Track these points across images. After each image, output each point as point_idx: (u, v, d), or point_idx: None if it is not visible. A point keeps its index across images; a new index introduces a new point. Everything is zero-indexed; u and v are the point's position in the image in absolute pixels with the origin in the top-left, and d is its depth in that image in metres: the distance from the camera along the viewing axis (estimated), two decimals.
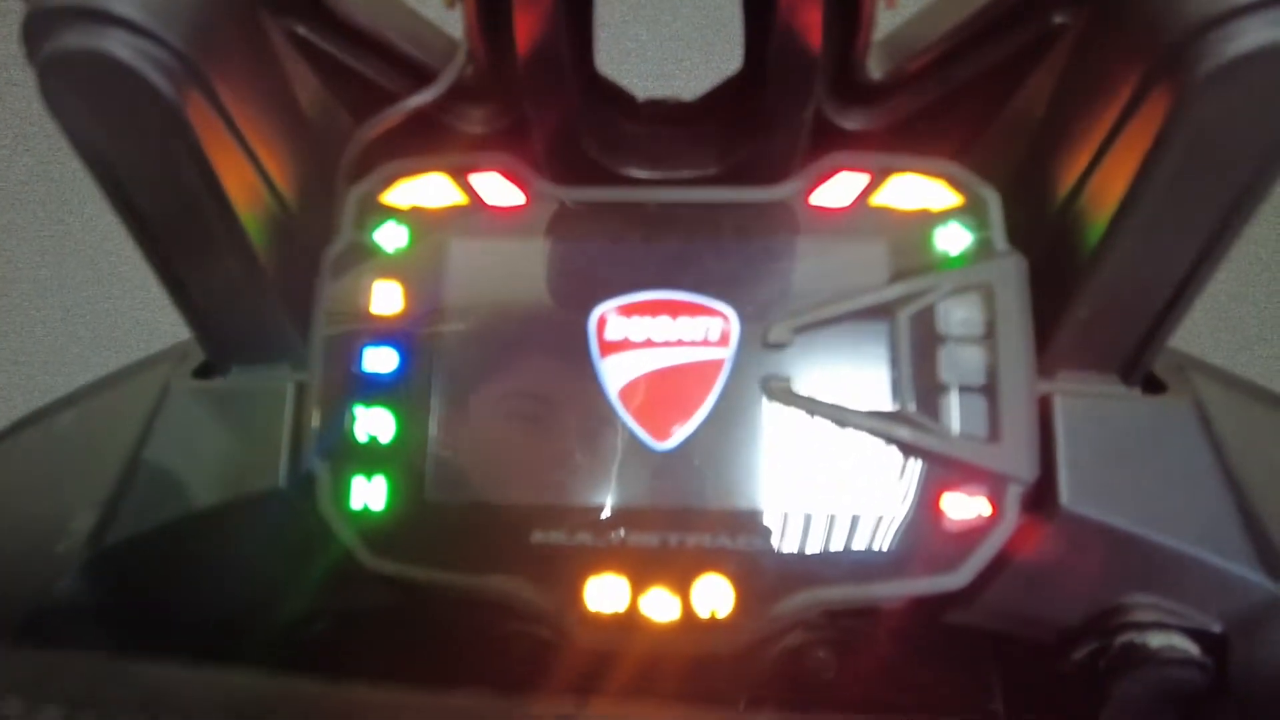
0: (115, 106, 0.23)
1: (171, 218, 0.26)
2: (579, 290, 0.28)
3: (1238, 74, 0.21)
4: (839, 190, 0.29)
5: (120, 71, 0.22)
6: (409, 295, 0.28)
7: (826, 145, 0.29)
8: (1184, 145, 0.23)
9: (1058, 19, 0.27)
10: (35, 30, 0.23)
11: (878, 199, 0.28)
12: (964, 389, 0.27)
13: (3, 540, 0.31)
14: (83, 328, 1.41)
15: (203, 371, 0.30)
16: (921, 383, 0.27)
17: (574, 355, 0.28)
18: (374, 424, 0.28)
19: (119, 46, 0.22)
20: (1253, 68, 0.21)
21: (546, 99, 0.27)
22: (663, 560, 0.27)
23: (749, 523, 0.27)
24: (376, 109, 0.29)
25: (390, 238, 0.29)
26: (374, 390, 0.28)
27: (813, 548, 0.27)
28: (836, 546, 0.27)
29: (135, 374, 0.32)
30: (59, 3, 0.22)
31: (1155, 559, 0.28)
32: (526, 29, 0.26)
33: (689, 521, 0.27)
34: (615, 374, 0.28)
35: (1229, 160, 0.23)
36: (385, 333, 0.28)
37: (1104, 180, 0.25)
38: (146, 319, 1.39)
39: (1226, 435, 0.29)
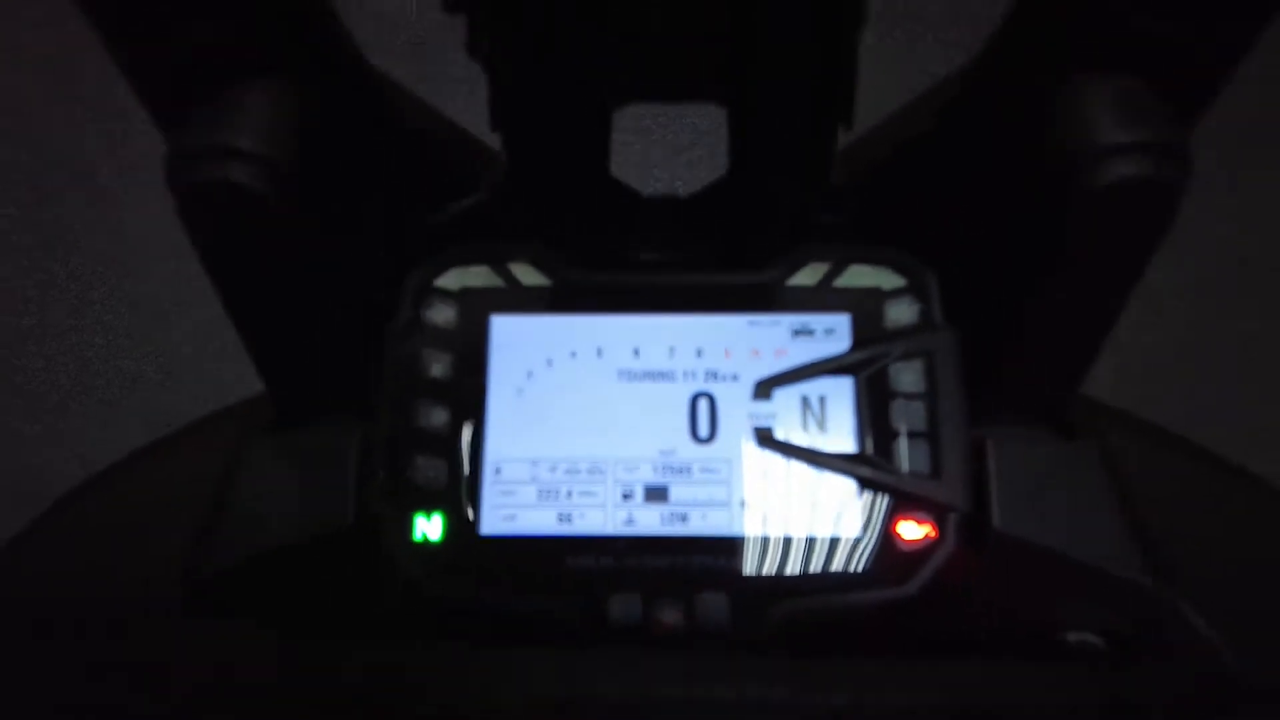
0: (240, 222, 0.29)
1: (276, 310, 0.32)
2: (601, 357, 0.34)
3: (1112, 197, 0.28)
4: (809, 275, 0.35)
5: (245, 194, 0.28)
6: (458, 363, 0.34)
7: (799, 235, 0.36)
8: (1074, 248, 0.30)
9: (981, 144, 0.33)
10: (175, 166, 0.28)
11: (839, 282, 0.35)
12: (911, 435, 0.33)
13: (98, 577, 0.36)
14: (64, 375, 1.40)
15: (277, 426, 0.36)
16: (877, 430, 0.33)
17: (597, 412, 0.34)
18: (431, 470, 0.33)
19: (243, 175, 0.28)
20: (1122, 193, 0.28)
21: (571, 201, 0.34)
22: (671, 579, 0.33)
23: (743, 549, 0.33)
24: (430, 205, 0.35)
25: (441, 315, 0.35)
26: (430, 442, 0.33)
27: (792, 567, 0.32)
28: (812, 565, 0.32)
29: (210, 428, 0.38)
30: (194, 143, 0.28)
31: (1072, 572, 0.34)
32: (555, 148, 0.32)
33: (696, 548, 0.33)
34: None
35: (1110, 260, 0.30)
36: (439, 394, 0.34)
37: (1018, 270, 0.32)
38: (128, 368, 1.40)
39: (1127, 469, 0.35)
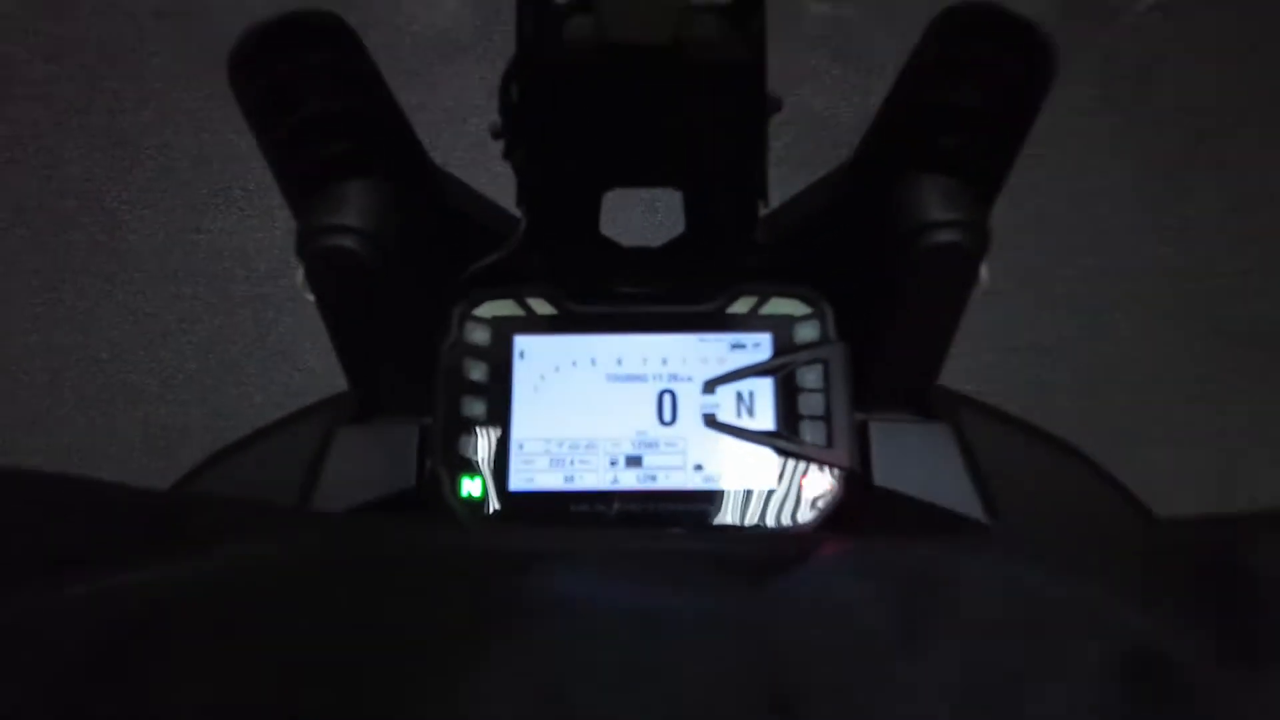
0: (350, 279, 0.42)
1: (367, 336, 0.45)
2: (594, 365, 0.48)
3: (932, 257, 0.42)
4: (742, 305, 0.48)
5: (355, 259, 0.41)
6: (491, 370, 0.47)
7: (734, 277, 0.49)
8: (910, 291, 0.44)
9: (854, 217, 0.47)
10: (305, 239, 0.41)
11: (763, 310, 0.48)
12: (813, 418, 0.46)
13: None
14: (69, 390, 1.46)
15: (357, 418, 0.49)
16: (789, 414, 0.46)
17: (591, 404, 0.47)
18: (472, 446, 0.46)
19: (354, 244, 0.41)
20: (938, 254, 0.42)
21: (573, 253, 0.47)
22: (645, 521, 0.45)
23: (696, 498, 0.45)
24: (471, 257, 0.48)
25: (479, 336, 0.48)
26: (471, 426, 0.46)
27: (732, 509, 0.46)
28: (744, 509, 0.46)
29: (305, 419, 0.51)
30: (319, 223, 0.41)
31: (929, 512, 0.48)
32: (562, 218, 0.46)
33: (662, 498, 0.46)
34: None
35: (935, 300, 0.44)
36: (477, 392, 0.47)
37: (881, 303, 0.46)
38: (133, 382, 1.47)
39: (972, 441, 0.49)
